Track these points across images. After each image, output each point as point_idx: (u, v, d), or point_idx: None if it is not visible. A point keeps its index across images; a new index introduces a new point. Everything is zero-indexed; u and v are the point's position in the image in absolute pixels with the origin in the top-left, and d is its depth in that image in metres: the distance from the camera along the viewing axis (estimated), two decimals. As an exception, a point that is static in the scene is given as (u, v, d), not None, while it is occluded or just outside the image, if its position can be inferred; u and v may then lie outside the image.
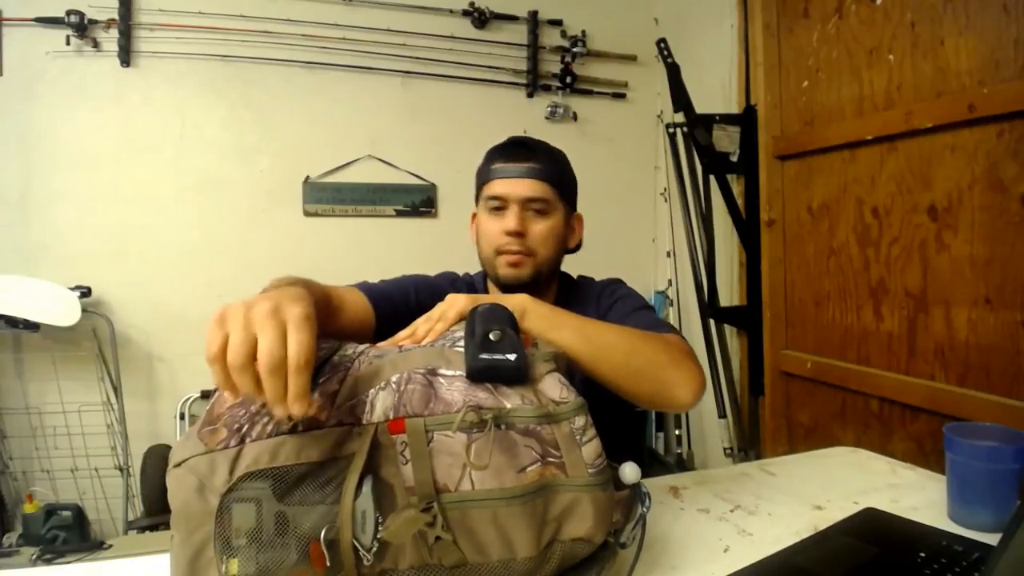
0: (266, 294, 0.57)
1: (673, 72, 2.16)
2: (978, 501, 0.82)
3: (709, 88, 2.26)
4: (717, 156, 2.12)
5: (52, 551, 1.71)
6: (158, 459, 2.15)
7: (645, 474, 0.65)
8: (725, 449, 2.18)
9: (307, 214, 2.38)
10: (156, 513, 2.09)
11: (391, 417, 0.56)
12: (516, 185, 0.98)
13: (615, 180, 2.69)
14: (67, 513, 2.01)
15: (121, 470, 2.12)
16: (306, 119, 2.36)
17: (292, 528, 0.52)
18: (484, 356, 0.59)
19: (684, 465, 2.36)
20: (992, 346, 1.42)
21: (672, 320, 2.47)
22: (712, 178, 2.15)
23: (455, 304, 0.75)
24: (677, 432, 2.42)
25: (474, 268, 1.14)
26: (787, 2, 1.99)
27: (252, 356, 0.50)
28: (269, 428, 0.55)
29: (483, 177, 1.02)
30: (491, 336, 0.61)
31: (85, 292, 2.08)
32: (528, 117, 2.57)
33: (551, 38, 2.59)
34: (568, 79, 2.58)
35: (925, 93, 1.55)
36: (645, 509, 0.63)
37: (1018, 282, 1.37)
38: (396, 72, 2.41)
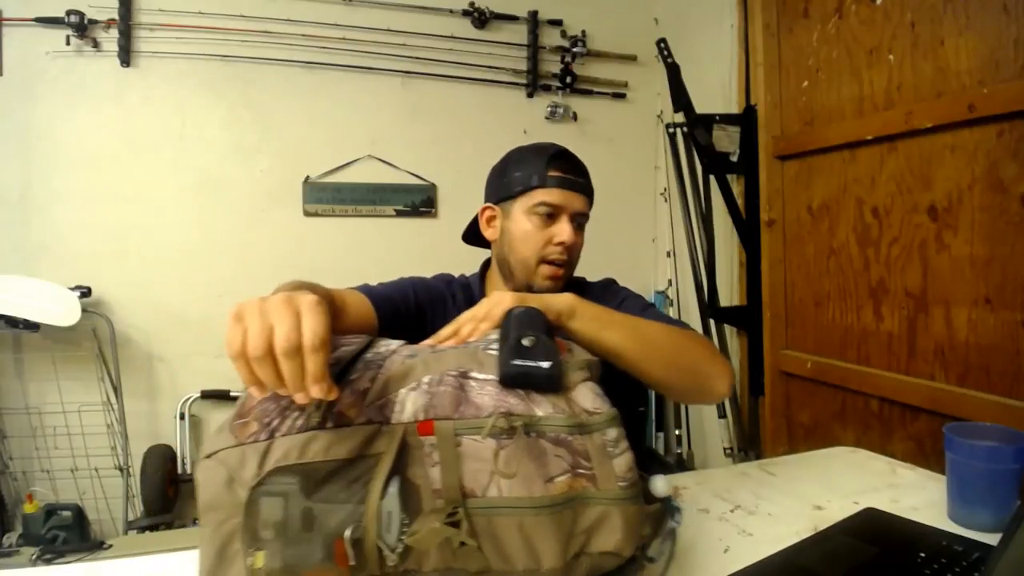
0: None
1: (673, 72, 2.16)
2: (978, 501, 0.82)
3: (709, 88, 2.26)
4: (717, 156, 2.12)
5: (52, 551, 1.71)
6: (158, 459, 2.16)
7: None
8: (725, 449, 2.18)
9: (307, 214, 2.38)
10: (156, 513, 2.09)
11: (421, 418, 0.56)
12: (574, 199, 0.99)
13: (615, 180, 2.68)
14: (67, 513, 2.01)
15: (121, 470, 2.12)
16: (306, 119, 2.36)
17: (318, 525, 0.52)
18: (517, 362, 0.58)
19: (684, 465, 2.36)
20: (992, 346, 1.42)
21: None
22: (712, 178, 2.15)
23: (501, 303, 0.74)
24: (677, 432, 2.42)
25: (472, 269, 1.14)
26: (787, 2, 1.99)
27: (271, 346, 0.51)
28: (299, 423, 0.55)
29: (532, 181, 0.98)
30: (525, 342, 0.60)
31: (85, 292, 2.08)
32: (528, 117, 2.57)
33: (551, 38, 2.58)
34: (568, 79, 2.58)
35: (925, 93, 1.55)
36: (675, 523, 0.62)
37: (1018, 282, 1.37)
38: (396, 72, 2.41)
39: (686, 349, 0.85)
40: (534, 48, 2.55)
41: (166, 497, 2.14)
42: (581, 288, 1.09)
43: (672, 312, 2.51)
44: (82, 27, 2.09)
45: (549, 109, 2.58)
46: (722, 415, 2.18)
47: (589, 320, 0.78)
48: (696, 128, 2.11)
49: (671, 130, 2.30)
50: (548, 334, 0.62)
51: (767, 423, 2.11)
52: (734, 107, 2.19)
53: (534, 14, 2.54)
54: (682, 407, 2.43)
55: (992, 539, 0.71)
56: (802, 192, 1.95)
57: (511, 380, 0.58)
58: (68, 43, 2.10)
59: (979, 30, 1.42)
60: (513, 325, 0.63)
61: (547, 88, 2.59)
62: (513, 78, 2.55)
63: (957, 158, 1.48)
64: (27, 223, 2.12)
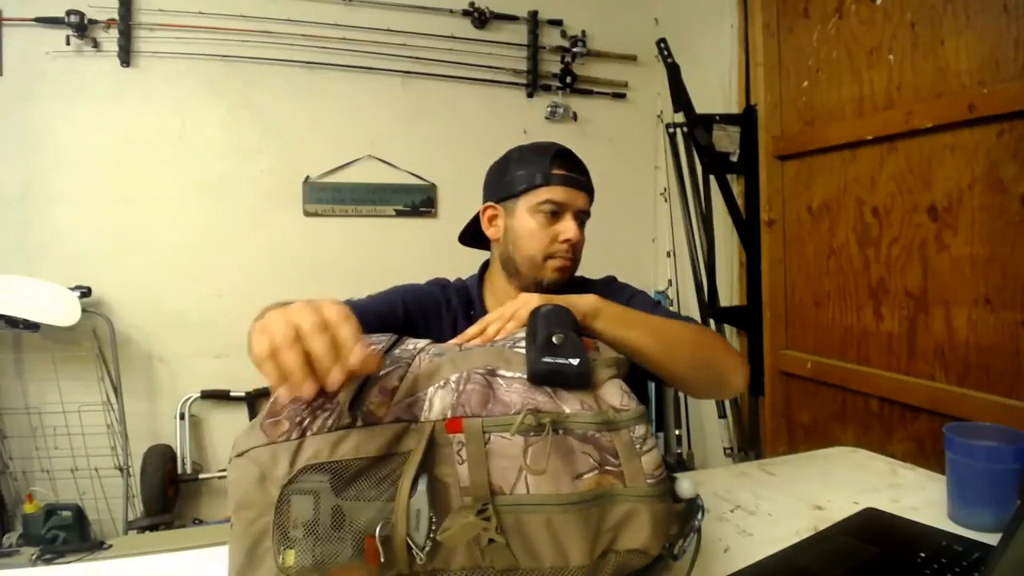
0: None
1: (673, 72, 2.16)
2: (978, 501, 0.82)
3: (709, 88, 2.26)
4: (717, 156, 2.12)
5: (52, 551, 1.71)
6: (158, 459, 2.16)
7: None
8: (725, 449, 2.18)
9: (307, 214, 2.38)
10: (156, 513, 2.09)
11: (449, 416, 0.56)
12: (577, 196, 1.00)
13: (615, 180, 2.68)
14: (67, 513, 2.00)
15: (121, 470, 2.12)
16: (306, 119, 2.36)
17: (348, 522, 0.52)
18: (547, 359, 0.59)
19: (684, 465, 2.36)
20: (992, 346, 1.42)
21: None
22: (712, 178, 2.15)
23: (528, 303, 0.75)
24: (677, 432, 2.42)
25: (472, 269, 1.14)
26: (787, 2, 1.99)
27: (297, 334, 0.52)
28: (330, 422, 0.55)
29: (536, 180, 0.99)
30: (554, 339, 0.60)
31: (85, 292, 2.08)
32: (528, 117, 2.57)
33: (551, 38, 2.58)
34: (568, 79, 2.58)
35: (925, 93, 1.55)
36: (698, 521, 0.62)
37: (1018, 282, 1.37)
38: (396, 72, 2.41)
39: (705, 346, 0.87)
40: (534, 48, 2.55)
41: (166, 497, 2.14)
42: (584, 286, 1.10)
43: (672, 312, 2.51)
44: (82, 27, 2.09)
45: (549, 109, 2.58)
46: (722, 415, 2.18)
47: (613, 320, 0.79)
48: (696, 128, 2.11)
49: (671, 130, 2.30)
50: (576, 332, 0.63)
51: (767, 423, 2.11)
52: (734, 107, 2.19)
53: (534, 14, 2.54)
54: (682, 407, 2.43)
55: (992, 539, 0.71)
56: (802, 192, 1.95)
57: (540, 377, 0.58)
58: (68, 43, 2.10)
59: (979, 30, 1.42)
60: (541, 323, 0.63)
61: (547, 88, 2.59)
62: (513, 78, 2.55)
63: (957, 158, 1.48)
64: (27, 223, 2.12)
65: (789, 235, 2.01)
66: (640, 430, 0.58)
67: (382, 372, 0.60)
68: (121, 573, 0.78)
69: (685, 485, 0.61)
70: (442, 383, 0.59)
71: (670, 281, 2.52)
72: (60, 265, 2.11)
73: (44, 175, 2.13)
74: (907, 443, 1.61)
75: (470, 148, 2.42)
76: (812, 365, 1.90)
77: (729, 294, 2.25)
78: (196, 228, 2.27)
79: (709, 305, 2.17)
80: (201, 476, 2.25)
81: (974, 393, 1.44)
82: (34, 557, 1.69)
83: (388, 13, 2.38)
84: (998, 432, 0.87)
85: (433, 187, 2.47)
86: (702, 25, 2.39)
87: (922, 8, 1.55)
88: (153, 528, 2.06)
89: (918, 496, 0.93)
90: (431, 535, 0.53)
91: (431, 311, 1.04)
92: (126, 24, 2.14)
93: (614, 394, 0.60)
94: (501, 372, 0.60)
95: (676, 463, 2.37)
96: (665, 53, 2.18)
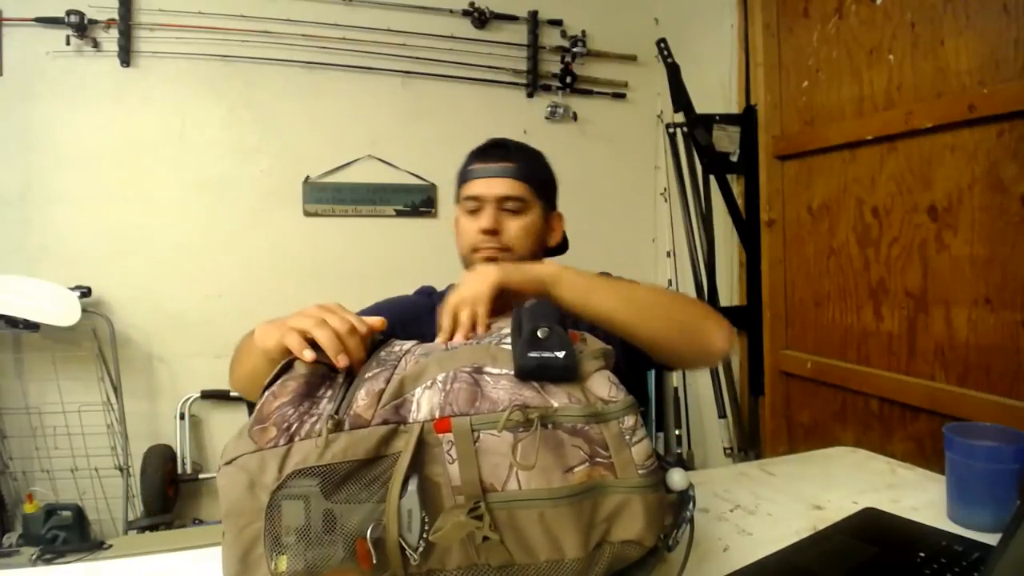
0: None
1: (673, 72, 2.16)
2: (978, 501, 0.82)
3: (709, 88, 2.26)
4: (717, 156, 2.12)
5: (52, 551, 1.71)
6: (158, 459, 2.16)
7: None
8: (725, 449, 2.18)
9: (307, 214, 2.38)
10: (156, 513, 2.09)
11: (437, 416, 0.56)
12: (491, 185, 1.00)
13: (615, 180, 2.69)
14: (67, 513, 2.01)
15: (121, 470, 2.12)
16: (306, 119, 2.36)
17: (339, 526, 0.53)
18: (533, 354, 0.58)
19: (684, 465, 2.36)
20: (992, 346, 1.42)
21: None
22: (712, 178, 2.15)
23: (486, 277, 0.74)
24: (677, 432, 2.42)
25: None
26: (787, 2, 1.99)
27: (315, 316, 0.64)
28: (317, 427, 0.56)
29: (461, 179, 1.05)
30: (539, 333, 0.60)
31: (85, 292, 2.08)
32: (528, 117, 2.57)
33: (551, 38, 2.58)
34: (568, 79, 2.58)
35: (925, 93, 1.55)
36: (689, 512, 0.62)
37: (1018, 282, 1.37)
38: (396, 72, 2.41)
39: (679, 306, 0.85)
40: (534, 48, 2.55)
41: (166, 497, 2.14)
42: None
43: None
44: (82, 27, 2.09)
45: (549, 109, 2.58)
46: (722, 415, 2.18)
47: (575, 286, 0.77)
48: (696, 128, 2.11)
49: (671, 130, 2.30)
50: (561, 324, 0.63)
51: (767, 423, 2.11)
52: (734, 107, 2.19)
53: (534, 14, 2.54)
54: (682, 407, 2.43)
55: (992, 539, 0.71)
56: (802, 192, 1.95)
57: (527, 373, 0.58)
58: (68, 43, 2.10)
59: (979, 30, 1.42)
60: (526, 317, 0.63)
61: (547, 88, 2.59)
62: (513, 78, 2.55)
63: (957, 158, 1.48)
64: (27, 223, 2.12)
65: (789, 235, 2.01)
66: (629, 421, 0.58)
67: (368, 375, 0.60)
68: (121, 573, 0.78)
69: (676, 477, 0.61)
70: (429, 383, 0.59)
71: (670, 281, 2.52)
72: (60, 265, 2.11)
73: (44, 175, 2.13)
74: (907, 443, 1.61)
75: (470, 148, 2.41)
76: (812, 365, 1.90)
77: (729, 294, 2.25)
78: (196, 228, 2.27)
79: (709, 305, 2.17)
80: (201, 476, 2.25)
81: (974, 393, 1.44)
82: (34, 557, 1.69)
83: (388, 13, 2.38)
84: (998, 432, 0.87)
85: (433, 187, 2.47)
86: (702, 25, 2.39)
87: (922, 8, 1.55)
88: (153, 528, 2.06)
89: (918, 496, 0.93)
90: (424, 535, 0.53)
91: (415, 319, 1.03)
92: (126, 24, 2.14)
93: (602, 386, 0.60)
94: (488, 369, 0.60)
95: (676, 463, 2.36)
96: (665, 53, 2.18)
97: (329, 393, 0.61)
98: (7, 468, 2.09)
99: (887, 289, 1.67)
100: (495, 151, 1.03)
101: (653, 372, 2.53)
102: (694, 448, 2.44)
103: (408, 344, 0.68)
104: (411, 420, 0.57)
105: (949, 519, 0.85)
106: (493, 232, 0.99)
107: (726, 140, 2.13)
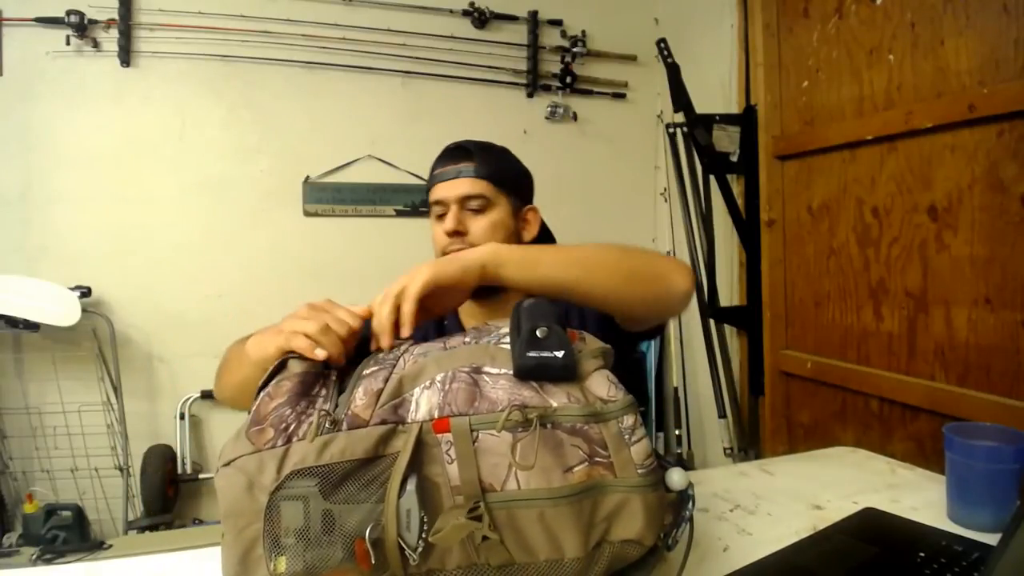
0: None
1: (673, 72, 2.16)
2: (978, 501, 0.82)
3: (709, 88, 2.26)
4: (717, 156, 2.12)
5: (52, 551, 1.71)
6: (158, 459, 2.16)
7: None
8: (725, 449, 2.18)
9: (307, 214, 2.38)
10: (156, 513, 2.09)
11: (436, 416, 0.56)
12: (450, 187, 0.99)
13: (615, 180, 2.69)
14: (67, 513, 2.00)
15: (121, 470, 2.12)
16: (306, 119, 2.36)
17: (338, 526, 0.52)
18: (532, 354, 0.58)
19: (684, 465, 2.35)
20: (992, 346, 1.42)
21: (672, 320, 2.47)
22: (712, 178, 2.15)
23: (415, 278, 0.69)
24: (677, 432, 2.42)
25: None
26: (787, 2, 1.99)
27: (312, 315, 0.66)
28: (315, 427, 0.56)
29: (428, 184, 1.04)
30: (538, 333, 0.60)
31: (85, 292, 2.08)
32: (528, 117, 2.57)
33: (551, 38, 2.58)
34: (568, 79, 2.58)
35: (925, 93, 1.55)
36: (688, 511, 0.62)
37: (1018, 282, 1.37)
38: (396, 72, 2.41)
39: (629, 255, 0.82)
40: (534, 48, 2.55)
41: (166, 497, 2.14)
42: None
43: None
44: (82, 27, 2.09)
45: (549, 109, 2.58)
46: (722, 415, 2.18)
47: (520, 261, 0.75)
48: (696, 128, 2.11)
49: (671, 130, 2.30)
50: (560, 324, 0.63)
51: (767, 423, 2.11)
52: (734, 107, 2.19)
53: (534, 14, 2.54)
54: (682, 407, 2.43)
55: (992, 539, 0.71)
56: (802, 192, 1.95)
57: (526, 372, 0.58)
58: (68, 43, 2.10)
59: (979, 30, 1.42)
60: (524, 316, 0.63)
61: (547, 88, 2.59)
62: (513, 78, 2.55)
63: (957, 158, 1.48)
64: (27, 223, 2.12)
65: (789, 235, 2.01)
66: (628, 420, 0.58)
67: (367, 374, 0.60)
68: (121, 573, 0.78)
69: (675, 476, 0.61)
70: (428, 383, 0.59)
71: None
72: (60, 265, 2.11)
73: (44, 175, 2.13)
74: (907, 443, 1.61)
75: (470, 148, 2.42)
76: (812, 365, 1.90)
77: (729, 294, 2.25)
78: (196, 228, 2.27)
79: (709, 305, 2.17)
80: (201, 476, 2.25)
81: (974, 393, 1.43)
82: (34, 557, 1.69)
83: (388, 13, 2.38)
84: (998, 432, 0.87)
85: (433, 187, 2.46)
86: (702, 25, 2.39)
87: (922, 8, 1.55)
88: (153, 528, 2.06)
89: (918, 496, 0.93)
90: (423, 535, 0.53)
91: None
92: (126, 24, 2.14)
93: (601, 385, 0.60)
94: (487, 369, 0.60)
95: (676, 463, 2.37)
96: (665, 53, 2.18)
97: (324, 392, 0.61)
98: (7, 468, 2.09)
99: (887, 289, 1.67)
100: (453, 153, 1.02)
101: (653, 372, 2.53)
102: (694, 448, 2.44)
103: (405, 343, 0.68)
104: (410, 420, 0.57)
105: (949, 519, 0.85)
106: (457, 233, 0.98)
107: (726, 140, 2.13)
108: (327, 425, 0.55)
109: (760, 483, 0.99)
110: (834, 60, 1.81)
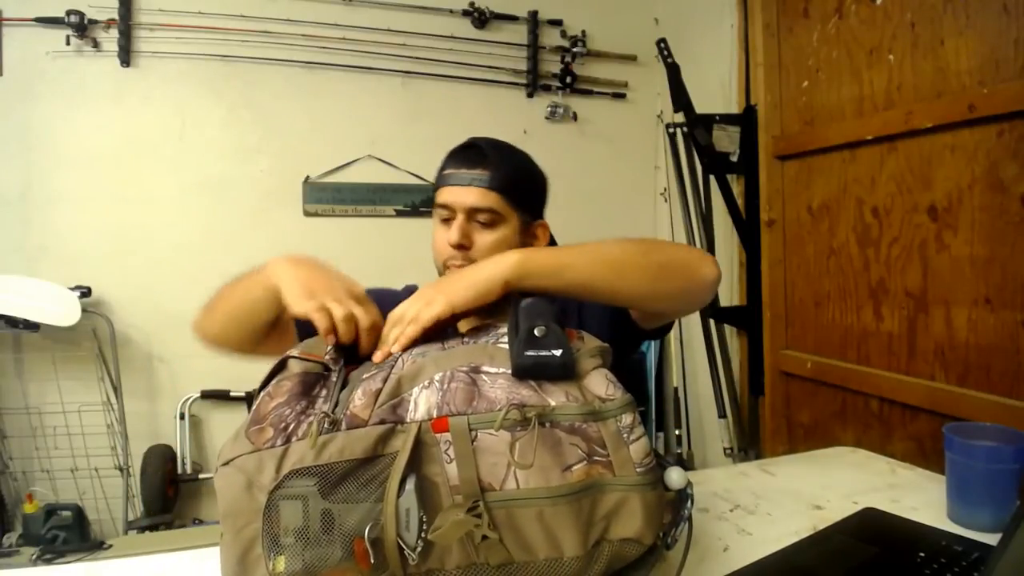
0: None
1: (673, 72, 2.16)
2: (978, 501, 0.82)
3: (709, 88, 2.26)
4: (717, 156, 2.12)
5: (52, 551, 1.71)
6: (158, 459, 2.16)
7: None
8: (725, 449, 2.18)
9: (307, 214, 2.38)
10: (156, 513, 2.09)
11: (434, 416, 0.57)
12: (461, 194, 0.91)
13: (615, 180, 2.69)
14: (67, 513, 2.01)
15: (121, 470, 2.12)
16: (306, 119, 2.36)
17: (337, 525, 0.53)
18: (530, 353, 0.58)
19: (684, 465, 2.35)
20: (992, 346, 1.42)
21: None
22: (712, 178, 2.15)
23: (430, 308, 0.69)
24: (677, 432, 2.42)
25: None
26: (787, 2, 1.99)
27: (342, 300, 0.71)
28: (314, 427, 0.56)
29: (436, 182, 0.97)
30: (536, 332, 0.60)
31: (85, 292, 2.08)
32: (528, 117, 2.57)
33: (551, 38, 2.58)
34: (568, 79, 2.58)
35: (925, 93, 1.55)
36: (687, 510, 0.62)
37: (1018, 282, 1.37)
38: (396, 72, 2.41)
39: (655, 249, 0.81)
40: (534, 48, 2.55)
41: (166, 497, 2.14)
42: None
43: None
44: (82, 27, 2.09)
45: (549, 109, 2.58)
46: (722, 415, 2.18)
47: (545, 274, 0.72)
48: (696, 128, 2.11)
49: (671, 130, 2.30)
50: (558, 322, 0.63)
51: (767, 423, 2.11)
52: (734, 107, 2.19)
53: (534, 14, 2.54)
54: (682, 407, 2.43)
55: (992, 539, 0.71)
56: (802, 192, 1.94)
57: (525, 371, 0.58)
58: (68, 43, 2.10)
59: (979, 30, 1.42)
60: (523, 316, 0.63)
61: (547, 88, 2.59)
62: (513, 78, 2.55)
63: (957, 158, 1.48)
64: (27, 223, 2.12)
65: (789, 235, 2.01)
66: (627, 419, 0.58)
67: (366, 375, 0.61)
68: (121, 573, 0.78)
69: (674, 475, 0.61)
70: (426, 383, 0.59)
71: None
72: (60, 265, 2.11)
73: (44, 175, 2.13)
74: (907, 443, 1.61)
75: (470, 148, 2.42)
76: (812, 365, 1.90)
77: (729, 294, 2.25)
78: (196, 228, 2.27)
79: (709, 305, 2.17)
80: (201, 476, 2.25)
81: (974, 393, 1.43)
82: (34, 557, 1.69)
83: (388, 13, 2.38)
84: (998, 432, 0.87)
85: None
86: (702, 25, 2.39)
87: (922, 8, 1.55)
88: (153, 528, 2.06)
89: (918, 496, 0.93)
90: (422, 535, 0.53)
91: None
92: (126, 24, 2.14)
93: (599, 384, 0.60)
94: (485, 368, 0.60)
95: (676, 463, 2.36)
96: (665, 53, 2.18)
97: (324, 393, 0.61)
98: (7, 468, 2.09)
99: (887, 289, 1.67)
100: (470, 154, 0.94)
101: (653, 372, 2.53)
102: (694, 448, 2.44)
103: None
104: (408, 420, 0.57)
105: (949, 519, 0.85)
106: (461, 247, 0.91)
107: (726, 140, 2.13)
108: (326, 425, 0.55)
109: (760, 483, 0.99)
110: (834, 60, 1.81)
